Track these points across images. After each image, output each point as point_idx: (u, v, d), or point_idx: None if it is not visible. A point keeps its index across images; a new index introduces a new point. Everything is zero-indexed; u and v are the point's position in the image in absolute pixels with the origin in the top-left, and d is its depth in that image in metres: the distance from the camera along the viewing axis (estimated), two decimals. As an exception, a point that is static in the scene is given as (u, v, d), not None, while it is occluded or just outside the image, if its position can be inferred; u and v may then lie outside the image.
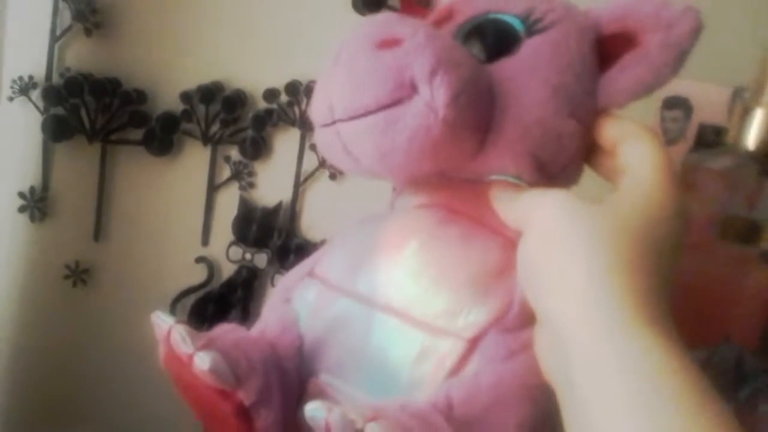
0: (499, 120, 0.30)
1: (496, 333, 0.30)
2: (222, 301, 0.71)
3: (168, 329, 0.30)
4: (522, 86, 0.30)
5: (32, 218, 0.70)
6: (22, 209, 0.70)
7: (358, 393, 0.32)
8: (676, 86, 0.63)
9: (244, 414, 0.31)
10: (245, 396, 0.30)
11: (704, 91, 0.62)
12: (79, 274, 0.72)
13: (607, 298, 0.24)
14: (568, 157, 0.32)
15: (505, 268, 0.31)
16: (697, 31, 0.30)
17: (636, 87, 0.31)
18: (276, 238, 0.70)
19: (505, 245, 0.32)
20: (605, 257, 0.25)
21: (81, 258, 0.72)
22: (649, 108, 0.64)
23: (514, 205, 0.30)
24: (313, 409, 0.26)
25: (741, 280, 0.43)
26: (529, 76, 0.30)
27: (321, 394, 0.33)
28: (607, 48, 0.32)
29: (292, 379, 0.33)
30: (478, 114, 0.29)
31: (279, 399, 0.32)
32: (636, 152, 0.29)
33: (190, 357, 0.29)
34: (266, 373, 0.32)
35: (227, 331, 0.33)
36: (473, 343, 0.30)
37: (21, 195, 0.70)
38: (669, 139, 0.65)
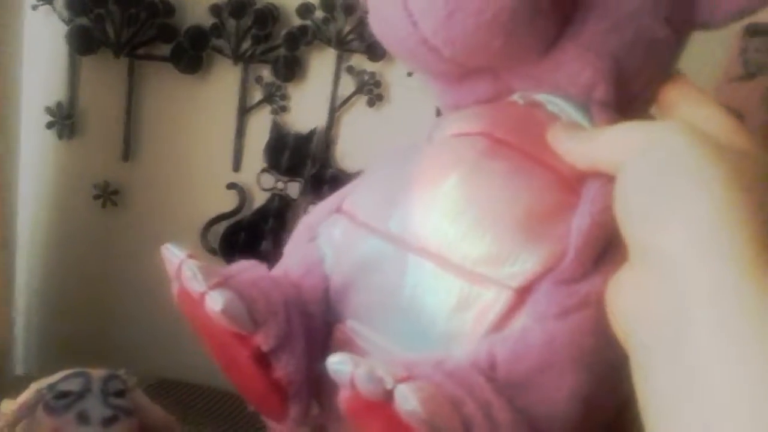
0: (584, 11, 0.26)
1: (550, 285, 0.27)
2: (253, 231, 0.68)
3: (179, 264, 0.27)
4: None
5: (60, 135, 0.68)
6: (49, 125, 0.67)
7: (387, 343, 0.29)
8: (760, 12, 0.56)
9: (263, 360, 0.28)
10: (263, 341, 0.28)
11: (793, 18, 0.55)
12: (108, 195, 0.70)
13: (736, 236, 0.21)
14: (652, 76, 0.27)
15: (560, 209, 0.27)
16: None
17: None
18: (309, 166, 0.66)
19: (560, 184, 0.28)
20: (738, 194, 0.22)
21: (110, 178, 0.70)
22: (725, 36, 0.57)
23: (599, 137, 0.26)
24: (337, 362, 0.23)
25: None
26: None
27: (348, 343, 0.30)
28: None
29: (316, 324, 0.30)
30: None
31: (301, 346, 0.29)
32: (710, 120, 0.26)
33: (202, 296, 0.27)
34: (288, 317, 0.29)
35: (246, 268, 0.30)
36: (522, 295, 0.27)
37: (48, 110, 0.67)
38: (749, 71, 0.58)
